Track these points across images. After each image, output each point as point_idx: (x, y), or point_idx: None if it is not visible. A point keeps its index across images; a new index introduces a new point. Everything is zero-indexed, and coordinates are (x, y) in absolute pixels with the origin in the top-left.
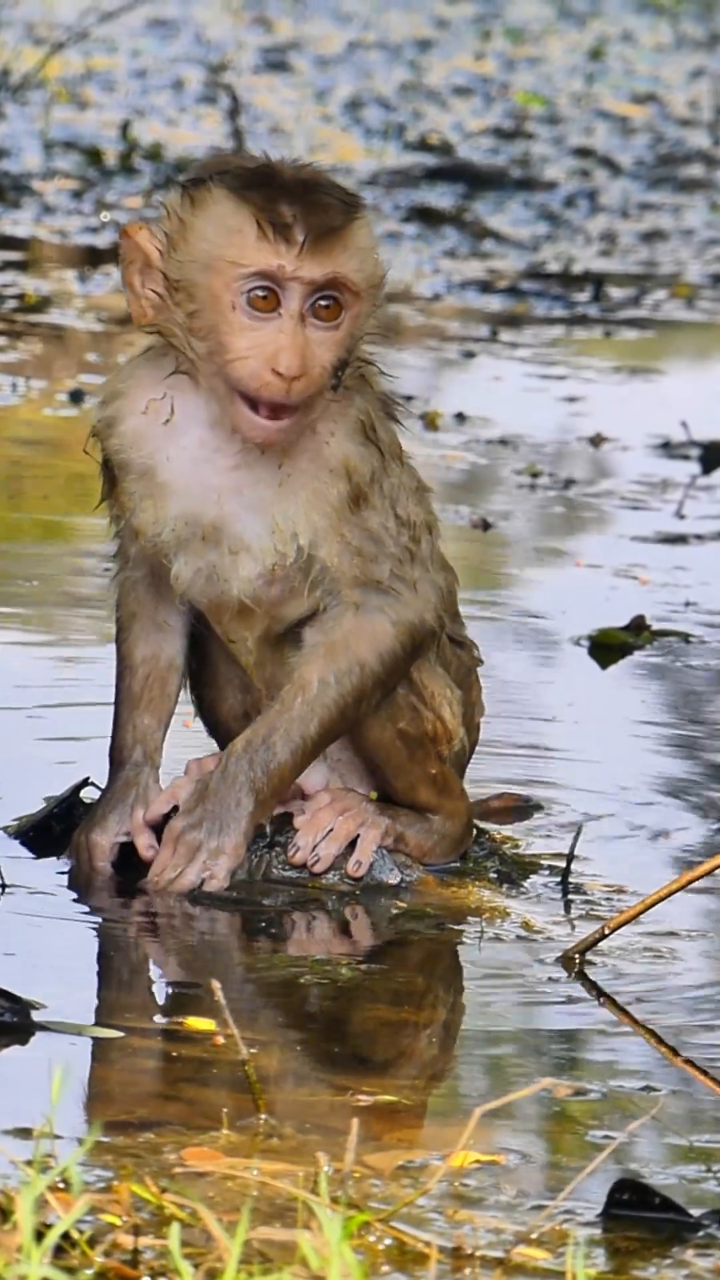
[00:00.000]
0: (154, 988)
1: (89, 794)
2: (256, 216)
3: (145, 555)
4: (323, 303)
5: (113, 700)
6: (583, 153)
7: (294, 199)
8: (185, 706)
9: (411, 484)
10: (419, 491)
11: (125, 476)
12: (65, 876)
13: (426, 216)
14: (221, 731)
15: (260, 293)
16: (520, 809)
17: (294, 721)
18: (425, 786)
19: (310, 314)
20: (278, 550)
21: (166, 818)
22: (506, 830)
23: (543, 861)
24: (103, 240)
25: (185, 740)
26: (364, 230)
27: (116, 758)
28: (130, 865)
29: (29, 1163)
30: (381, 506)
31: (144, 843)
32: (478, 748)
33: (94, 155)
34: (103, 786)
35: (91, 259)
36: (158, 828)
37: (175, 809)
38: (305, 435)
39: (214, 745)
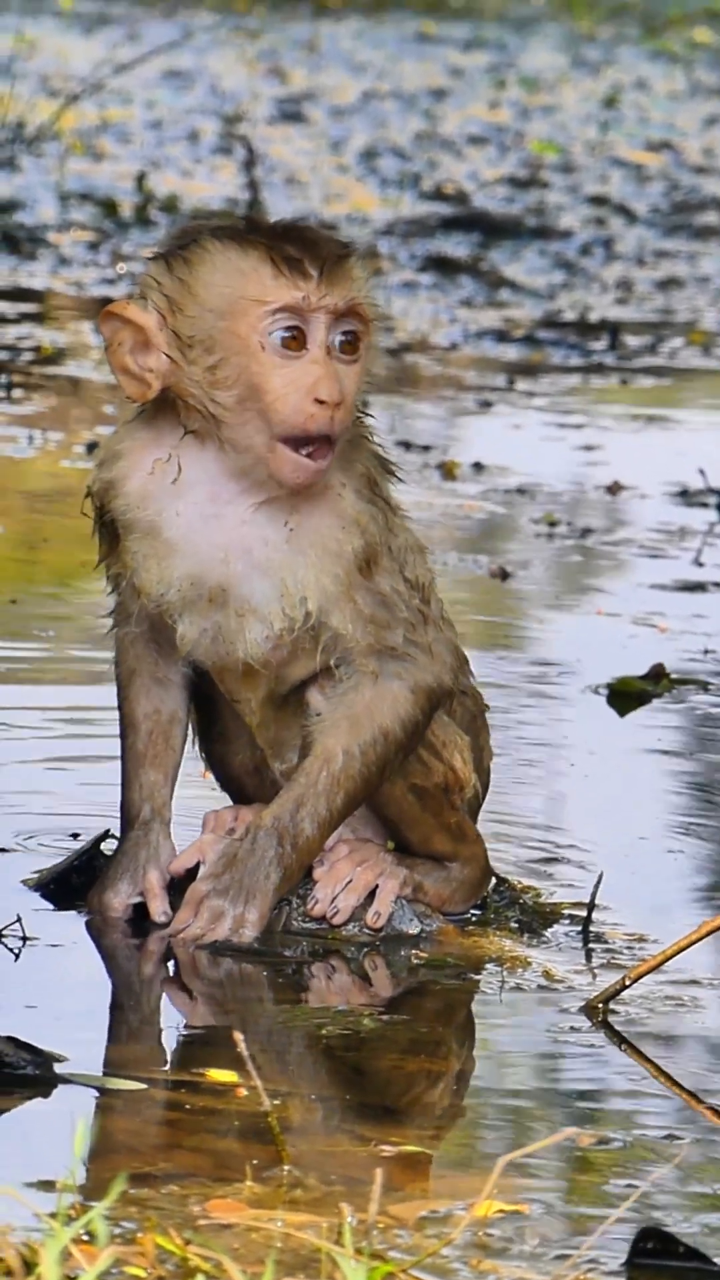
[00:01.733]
0: (176, 1040)
1: (109, 846)
2: (269, 255)
3: (147, 614)
4: (344, 337)
5: (120, 756)
6: (598, 201)
7: (292, 238)
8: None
9: (413, 543)
10: (420, 550)
11: (128, 536)
12: (86, 929)
13: (442, 266)
14: (234, 786)
15: (288, 332)
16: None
17: (320, 796)
18: (441, 836)
19: (334, 348)
20: (286, 615)
21: (190, 873)
22: (527, 880)
23: (564, 910)
24: (119, 292)
25: (201, 791)
26: (359, 264)
27: (126, 817)
28: (147, 916)
29: (53, 1215)
30: (391, 569)
31: (157, 908)
32: (496, 795)
33: (109, 207)
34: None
35: None
36: (178, 879)
37: (199, 864)
38: (317, 487)
39: (227, 797)
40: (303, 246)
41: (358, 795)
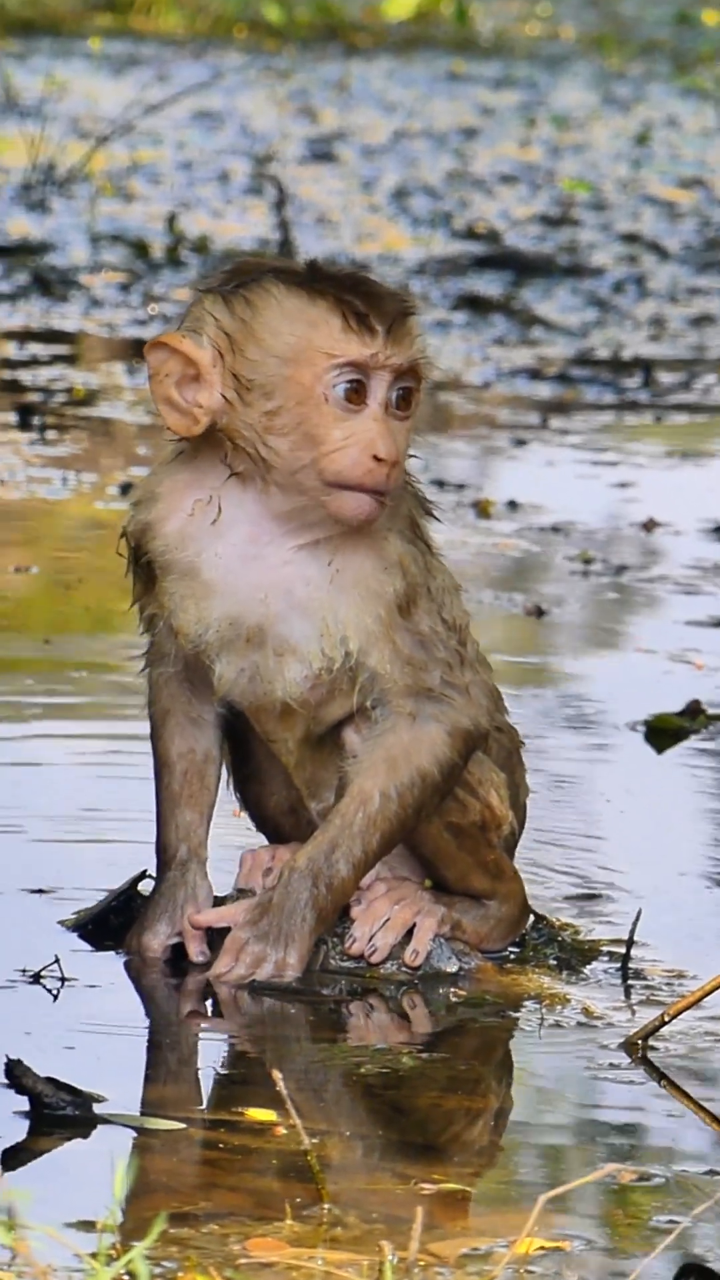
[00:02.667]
0: (214, 1079)
1: (146, 886)
2: (339, 308)
3: (183, 654)
4: (400, 393)
5: (155, 796)
6: (630, 238)
7: (360, 291)
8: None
9: (450, 583)
10: (456, 590)
11: (166, 577)
12: (123, 969)
13: (475, 304)
14: (270, 826)
15: (353, 385)
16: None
17: (355, 837)
18: (478, 874)
19: (391, 404)
20: (325, 654)
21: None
22: (566, 917)
23: (602, 947)
24: (150, 333)
25: (235, 830)
26: (418, 319)
27: (163, 857)
28: (185, 956)
29: (94, 1255)
30: (430, 610)
31: (195, 949)
32: (534, 833)
33: (140, 248)
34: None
35: (139, 352)
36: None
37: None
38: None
39: (262, 837)
40: (369, 301)
41: (393, 837)
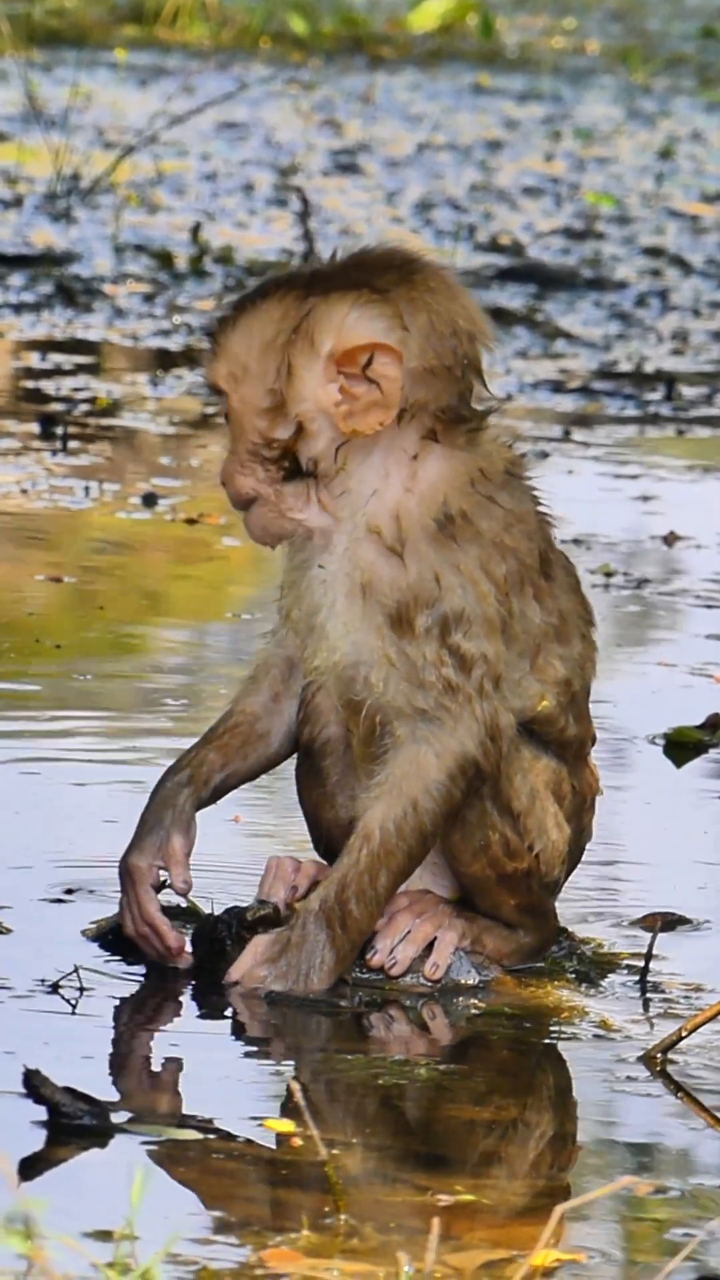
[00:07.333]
0: (232, 1089)
1: (166, 896)
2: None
3: (287, 640)
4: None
5: None
6: (653, 252)
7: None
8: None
9: (492, 614)
10: (489, 624)
11: (288, 561)
12: (142, 979)
13: (498, 317)
14: (324, 839)
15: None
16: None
17: (363, 874)
18: (512, 909)
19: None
20: (335, 655)
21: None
22: (585, 930)
23: (621, 960)
24: (174, 344)
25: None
26: (231, 329)
27: (169, 768)
28: (202, 965)
29: (110, 1265)
30: (433, 633)
31: (178, 875)
32: None
33: (165, 259)
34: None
35: (163, 362)
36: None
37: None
38: (385, 538)
39: (303, 827)
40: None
41: (402, 868)
